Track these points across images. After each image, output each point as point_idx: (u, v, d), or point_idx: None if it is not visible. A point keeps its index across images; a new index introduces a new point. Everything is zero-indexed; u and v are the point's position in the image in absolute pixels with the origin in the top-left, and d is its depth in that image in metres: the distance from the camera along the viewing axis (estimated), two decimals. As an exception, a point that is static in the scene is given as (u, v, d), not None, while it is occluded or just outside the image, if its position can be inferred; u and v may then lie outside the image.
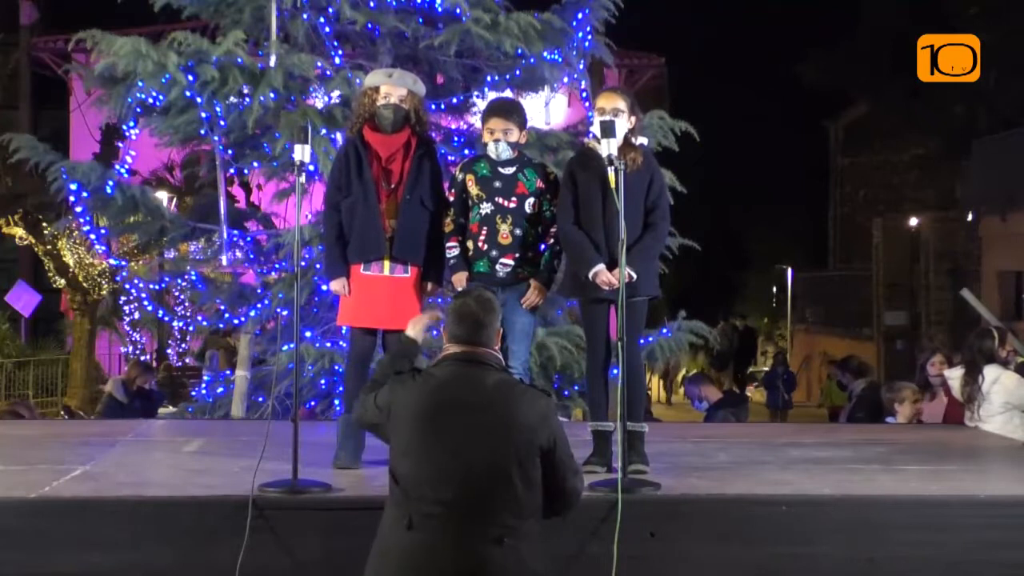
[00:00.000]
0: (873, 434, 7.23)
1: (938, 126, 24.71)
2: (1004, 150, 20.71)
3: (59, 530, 4.61)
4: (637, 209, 5.41)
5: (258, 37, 9.23)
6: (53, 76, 21.53)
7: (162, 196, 13.24)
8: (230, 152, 9.17)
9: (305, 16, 9.10)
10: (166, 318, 11.00)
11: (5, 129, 10.96)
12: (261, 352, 9.55)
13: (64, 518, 4.66)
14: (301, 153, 5.14)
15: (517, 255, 5.64)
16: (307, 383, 8.59)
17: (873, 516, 4.83)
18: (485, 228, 5.66)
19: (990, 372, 7.11)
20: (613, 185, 5.06)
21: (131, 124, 9.16)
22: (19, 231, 19.21)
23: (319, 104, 9.05)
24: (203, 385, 10.70)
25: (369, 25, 9.06)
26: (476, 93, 9.51)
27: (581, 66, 9.62)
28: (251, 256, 9.45)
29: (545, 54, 9.20)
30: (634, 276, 5.27)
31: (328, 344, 8.59)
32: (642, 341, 6.50)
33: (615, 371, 5.24)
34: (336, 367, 8.39)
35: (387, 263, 5.62)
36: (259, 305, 9.08)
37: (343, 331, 7.50)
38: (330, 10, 9.15)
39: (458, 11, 8.86)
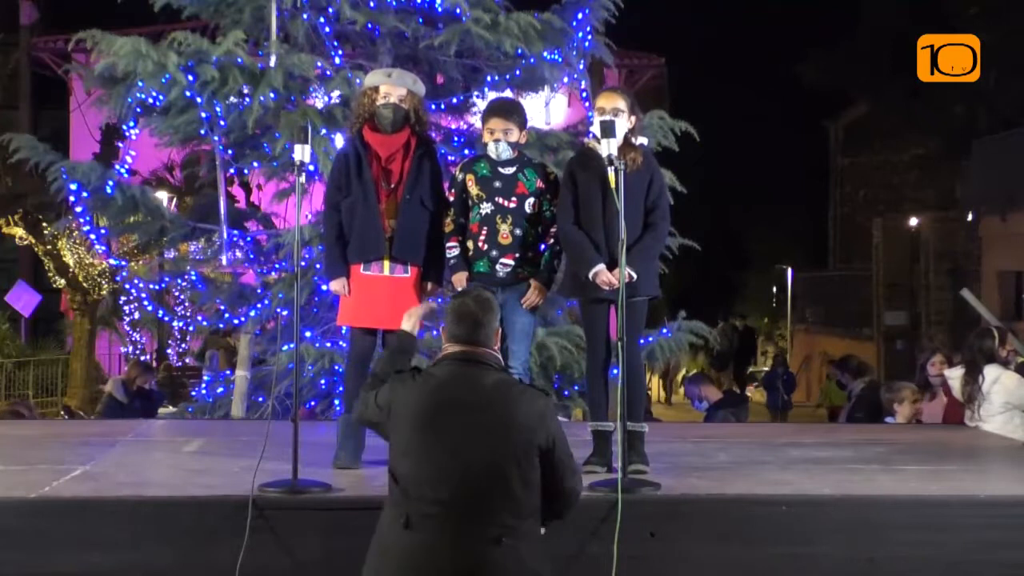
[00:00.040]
0: (873, 434, 7.24)
1: (938, 126, 24.71)
2: (1004, 150, 20.71)
3: (59, 530, 4.61)
4: (637, 209, 5.41)
5: (258, 37, 9.23)
6: (53, 76, 21.53)
7: (162, 196, 13.24)
8: (230, 152, 9.17)
9: (305, 16, 9.10)
10: (166, 318, 11.00)
11: (5, 129, 10.96)
12: (261, 352, 9.55)
13: (64, 518, 4.66)
14: (301, 153, 5.14)
15: (517, 255, 5.64)
16: (307, 383, 8.59)
17: (873, 516, 4.83)
18: (485, 228, 5.66)
19: (990, 372, 7.11)
20: (613, 185, 5.06)
21: (131, 124, 9.16)
22: (19, 231, 19.21)
23: (319, 104, 9.05)
24: (203, 385, 10.70)
25: (369, 25, 9.06)
26: (476, 93, 9.51)
27: (581, 66, 9.62)
28: (251, 256, 9.45)
29: (545, 54, 9.20)
30: (634, 276, 5.27)
31: (328, 344, 8.59)
32: (642, 341, 6.50)
33: (615, 371, 5.24)
34: (336, 367, 8.39)
35: (387, 263, 5.62)
36: (259, 305, 9.08)
37: (343, 331, 7.50)
38: (330, 10, 9.15)
39: (458, 11, 8.86)
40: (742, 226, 44.23)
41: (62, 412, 15.62)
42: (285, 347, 8.10)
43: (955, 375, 7.39)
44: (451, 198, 5.80)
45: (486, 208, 5.66)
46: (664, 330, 9.35)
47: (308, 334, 8.71)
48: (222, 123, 8.80)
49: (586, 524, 4.53)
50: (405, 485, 3.84)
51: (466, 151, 8.94)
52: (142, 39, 8.56)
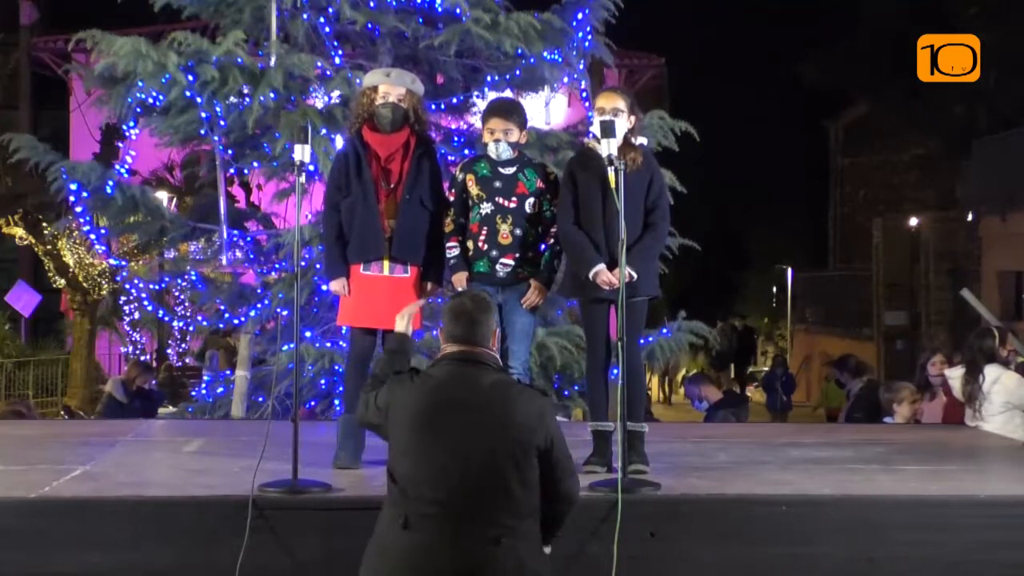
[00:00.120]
0: (873, 434, 7.23)
1: (938, 126, 24.71)
2: (1004, 150, 20.71)
3: (59, 530, 4.61)
4: (637, 209, 5.41)
5: (258, 37, 9.23)
6: (53, 76, 21.53)
7: (162, 196, 13.24)
8: (230, 152, 9.17)
9: (305, 16, 9.10)
10: (166, 318, 11.00)
11: (5, 129, 10.96)
12: (261, 352, 9.55)
13: (64, 518, 4.67)
14: (301, 153, 5.15)
15: (517, 255, 5.64)
16: (307, 383, 8.59)
17: (873, 516, 4.83)
18: (485, 228, 5.66)
19: (991, 372, 7.11)
20: (613, 185, 5.06)
21: (131, 124, 9.16)
22: (19, 231, 19.21)
23: (319, 104, 9.05)
24: (203, 385, 10.70)
25: (369, 25, 9.06)
26: (476, 93, 9.51)
27: (581, 66, 9.61)
28: (251, 256, 9.45)
29: (545, 54, 9.20)
30: (634, 276, 5.27)
31: (328, 344, 8.59)
32: (642, 341, 6.50)
33: (615, 371, 5.24)
34: (336, 367, 8.39)
35: (386, 263, 5.62)
36: (259, 305, 9.08)
37: (343, 331, 7.50)
38: (330, 10, 9.15)
39: (458, 11, 8.86)
40: (742, 226, 44.27)
41: (62, 412, 15.62)
42: (285, 347, 8.10)
43: (955, 375, 7.39)
44: (451, 198, 5.80)
45: (486, 208, 5.66)
46: (664, 330, 9.35)
47: (308, 334, 8.71)
48: (222, 123, 8.80)
49: (586, 524, 4.53)
50: (404, 485, 3.84)
51: (466, 151, 8.94)
52: (142, 39, 8.56)
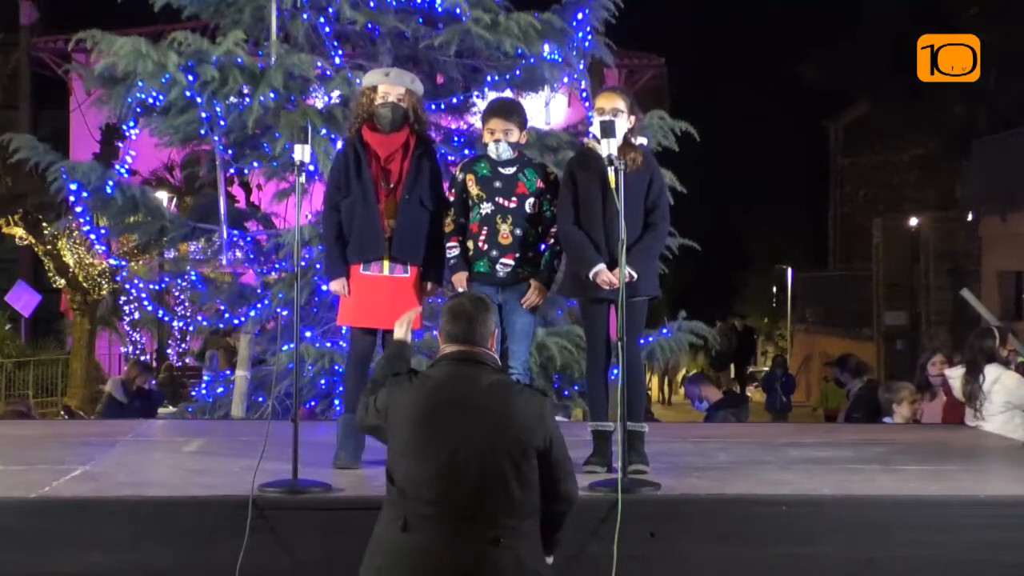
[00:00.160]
0: (873, 434, 7.23)
1: (938, 126, 24.70)
2: (1004, 150, 20.70)
3: (59, 530, 4.61)
4: (637, 209, 5.41)
5: (258, 37, 9.23)
6: (53, 76, 21.53)
7: (162, 196, 13.24)
8: (230, 152, 9.17)
9: (305, 16, 9.10)
10: (166, 318, 11.00)
11: (5, 129, 10.96)
12: (261, 352, 9.55)
13: (64, 518, 4.66)
14: (301, 153, 5.15)
15: (517, 255, 5.64)
16: (307, 383, 8.59)
17: (873, 516, 4.83)
18: (485, 228, 5.66)
19: (991, 372, 7.11)
20: (613, 185, 5.06)
21: (131, 124, 9.16)
22: (19, 231, 19.22)
23: (319, 104, 9.05)
24: (203, 385, 10.70)
25: (369, 25, 9.06)
26: (476, 93, 9.51)
27: (581, 66, 9.61)
28: (251, 256, 9.45)
29: (545, 54, 9.20)
30: (634, 276, 5.27)
31: (328, 344, 8.59)
32: (642, 341, 6.50)
33: (615, 371, 5.24)
34: (336, 367, 8.39)
35: (386, 263, 5.62)
36: (259, 305, 9.08)
37: (343, 331, 7.50)
38: (330, 10, 9.16)
39: (458, 11, 8.86)
40: (742, 226, 44.29)
41: (62, 412, 15.62)
42: (285, 347, 8.10)
43: (956, 375, 7.40)
44: (451, 198, 5.80)
45: (486, 208, 5.67)
46: (664, 330, 9.35)
47: (308, 334, 8.71)
48: (222, 123, 8.80)
49: (586, 524, 4.52)
50: (403, 486, 3.84)
51: (466, 151, 8.94)
52: (142, 39, 8.56)
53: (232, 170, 9.65)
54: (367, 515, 4.10)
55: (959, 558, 4.75)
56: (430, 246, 5.69)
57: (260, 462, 4.77)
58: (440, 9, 9.06)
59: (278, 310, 8.88)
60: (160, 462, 5.94)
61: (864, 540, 4.76)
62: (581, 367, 8.16)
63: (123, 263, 12.49)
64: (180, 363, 19.78)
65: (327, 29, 9.22)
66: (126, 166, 9.61)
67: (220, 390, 9.63)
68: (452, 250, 5.72)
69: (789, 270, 35.90)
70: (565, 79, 9.67)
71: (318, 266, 8.29)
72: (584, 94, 10.17)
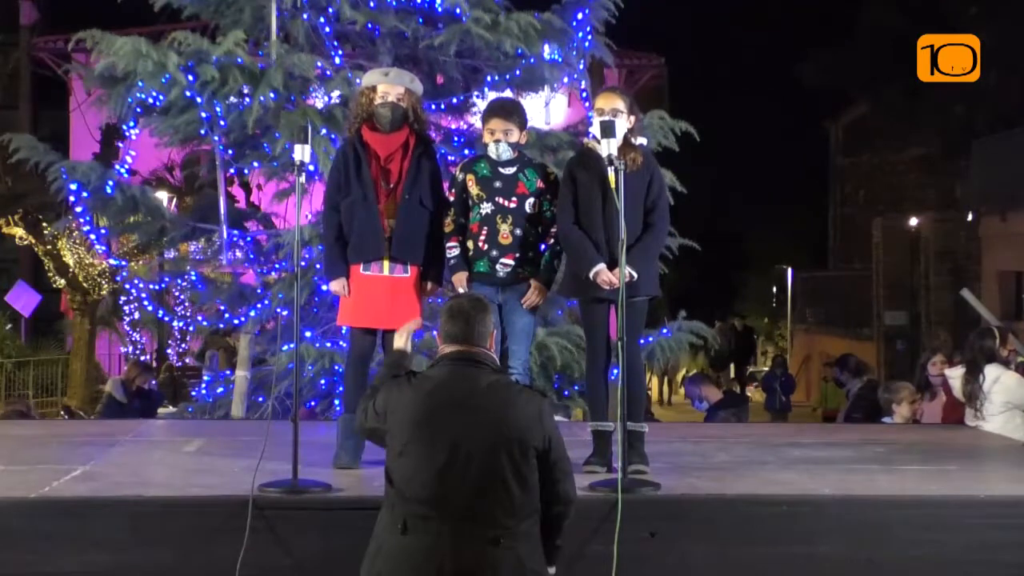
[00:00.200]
0: (873, 434, 7.23)
1: (938, 126, 24.69)
2: (1004, 150, 20.69)
3: (59, 530, 4.61)
4: (637, 209, 5.41)
5: (258, 37, 9.23)
6: (53, 76, 21.54)
7: (162, 196, 13.23)
8: (230, 152, 9.17)
9: (305, 16, 9.10)
10: (166, 318, 11.00)
11: (5, 129, 10.93)
12: (261, 352, 9.55)
13: (64, 518, 4.67)
14: (301, 153, 5.15)
15: (517, 255, 5.64)
16: (307, 383, 8.58)
17: (873, 516, 4.83)
18: (485, 228, 5.66)
19: (991, 372, 7.11)
20: (613, 185, 5.07)
21: (131, 124, 9.17)
22: (19, 231, 19.23)
23: (319, 104, 9.05)
24: (203, 385, 10.69)
25: (369, 25, 9.07)
26: (476, 93, 9.51)
27: (581, 66, 9.62)
28: (251, 256, 9.45)
29: (545, 54, 9.20)
30: (634, 276, 5.27)
31: (328, 344, 8.59)
32: (642, 341, 6.50)
33: (615, 371, 5.24)
34: (336, 367, 8.39)
35: (386, 263, 5.62)
36: (259, 305, 9.08)
37: (343, 331, 7.50)
38: (330, 10, 9.16)
39: (458, 11, 8.86)
40: (742, 226, 44.24)
41: (62, 412, 15.62)
42: (285, 347, 8.10)
43: (956, 375, 7.40)
44: (451, 198, 5.80)
45: (486, 208, 5.67)
46: (664, 330, 9.34)
47: (308, 334, 8.71)
48: (222, 123, 8.80)
49: (586, 524, 4.52)
50: (401, 486, 3.84)
51: (466, 151, 8.94)
52: (142, 39, 8.56)
53: (232, 170, 9.65)
54: (367, 515, 4.10)
55: (959, 558, 4.75)
56: (430, 246, 5.69)
57: (260, 462, 4.77)
58: (440, 9, 9.06)
59: (278, 310, 8.88)
60: (160, 462, 5.94)
61: (864, 540, 4.76)
62: (581, 367, 8.15)
63: (123, 263, 12.50)
64: (180, 363, 19.78)
65: (327, 29, 9.22)
66: (126, 166, 9.61)
67: (220, 390, 9.63)
68: (452, 250, 5.72)
69: (789, 270, 35.85)
70: (565, 79, 9.67)
71: (318, 266, 8.29)
72: (584, 94, 10.17)
